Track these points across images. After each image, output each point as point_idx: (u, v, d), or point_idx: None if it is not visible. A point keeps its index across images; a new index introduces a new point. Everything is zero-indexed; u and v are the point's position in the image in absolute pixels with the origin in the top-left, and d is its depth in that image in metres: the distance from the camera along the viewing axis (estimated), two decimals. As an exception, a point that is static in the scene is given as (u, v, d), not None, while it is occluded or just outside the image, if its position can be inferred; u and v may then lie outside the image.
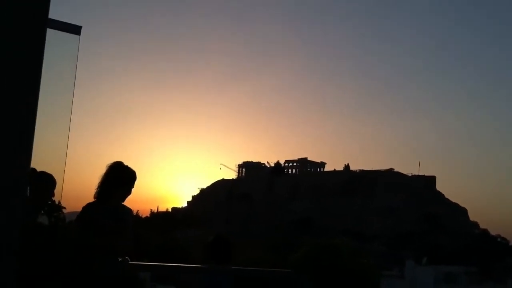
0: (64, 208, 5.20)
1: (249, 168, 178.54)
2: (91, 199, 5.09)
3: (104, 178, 4.98)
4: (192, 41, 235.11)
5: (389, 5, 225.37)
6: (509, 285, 66.95)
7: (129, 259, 4.98)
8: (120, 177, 5.01)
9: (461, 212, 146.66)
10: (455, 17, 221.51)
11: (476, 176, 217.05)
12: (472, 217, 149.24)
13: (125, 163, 5.12)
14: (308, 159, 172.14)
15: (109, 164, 5.04)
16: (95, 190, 5.00)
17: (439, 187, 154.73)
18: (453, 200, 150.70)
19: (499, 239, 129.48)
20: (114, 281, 4.76)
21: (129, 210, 5.12)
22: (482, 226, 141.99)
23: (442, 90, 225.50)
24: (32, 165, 3.56)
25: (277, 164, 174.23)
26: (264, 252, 50.06)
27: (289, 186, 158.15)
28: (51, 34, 4.24)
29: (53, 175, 5.34)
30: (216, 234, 5.79)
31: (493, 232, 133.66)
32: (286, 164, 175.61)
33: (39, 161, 4.96)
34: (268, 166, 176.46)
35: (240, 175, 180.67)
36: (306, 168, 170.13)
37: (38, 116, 2.13)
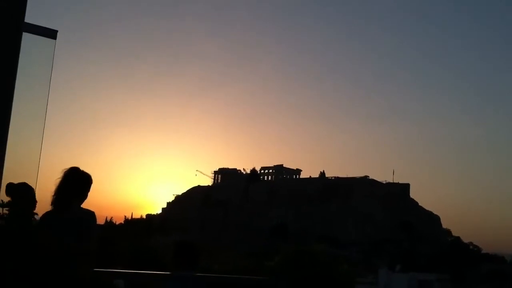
0: (36, 214, 5.14)
1: (225, 175, 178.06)
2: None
3: (60, 185, 4.78)
4: (169, 48, 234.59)
5: (367, 10, 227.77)
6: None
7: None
8: (77, 183, 4.85)
9: (434, 219, 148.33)
10: (432, 22, 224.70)
11: (449, 184, 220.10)
12: (445, 224, 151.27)
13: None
14: (284, 166, 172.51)
15: (65, 170, 4.86)
16: (52, 198, 4.76)
17: (412, 194, 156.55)
18: (426, 207, 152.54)
19: (471, 247, 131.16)
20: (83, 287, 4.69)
21: (91, 214, 4.87)
22: (454, 233, 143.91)
23: (416, 98, 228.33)
24: (5, 171, 3.50)
25: (253, 170, 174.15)
26: (239, 259, 49.91)
27: (265, 193, 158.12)
28: (27, 38, 4.19)
29: (27, 181, 5.27)
30: (179, 240, 5.72)
31: (465, 240, 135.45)
32: (262, 171, 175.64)
33: (13, 166, 4.88)
34: (244, 172, 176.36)
35: (216, 181, 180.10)
36: (282, 175, 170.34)
37: (11, 120, 2.09)
